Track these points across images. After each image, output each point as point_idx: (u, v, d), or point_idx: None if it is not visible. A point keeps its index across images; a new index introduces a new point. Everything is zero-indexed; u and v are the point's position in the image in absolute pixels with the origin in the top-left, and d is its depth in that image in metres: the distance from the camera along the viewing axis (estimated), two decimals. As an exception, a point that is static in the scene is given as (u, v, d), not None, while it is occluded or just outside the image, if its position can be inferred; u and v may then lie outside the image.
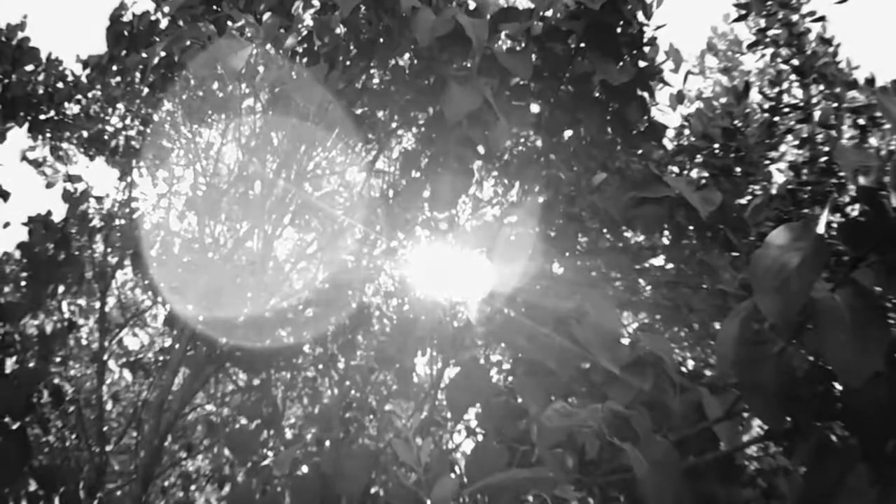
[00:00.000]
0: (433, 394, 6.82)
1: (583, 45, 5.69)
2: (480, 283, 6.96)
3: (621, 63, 5.82)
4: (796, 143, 9.74)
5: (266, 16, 5.15)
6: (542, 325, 5.63)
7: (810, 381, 3.00)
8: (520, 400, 5.15)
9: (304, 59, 5.78)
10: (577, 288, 5.96)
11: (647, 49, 6.04)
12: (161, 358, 8.51)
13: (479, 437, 6.22)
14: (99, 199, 9.31)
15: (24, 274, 8.67)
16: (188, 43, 5.34)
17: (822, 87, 10.37)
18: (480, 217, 7.14)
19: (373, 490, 7.04)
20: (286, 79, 5.04)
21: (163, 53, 6.59)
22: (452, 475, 5.20)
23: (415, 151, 6.22)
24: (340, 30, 5.68)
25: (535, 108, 5.89)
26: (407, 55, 5.83)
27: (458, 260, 6.99)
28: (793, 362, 3.24)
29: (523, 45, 5.64)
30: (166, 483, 8.61)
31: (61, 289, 8.74)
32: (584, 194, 5.93)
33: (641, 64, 5.98)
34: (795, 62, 10.44)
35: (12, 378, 8.26)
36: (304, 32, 5.83)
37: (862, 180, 2.65)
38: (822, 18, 10.74)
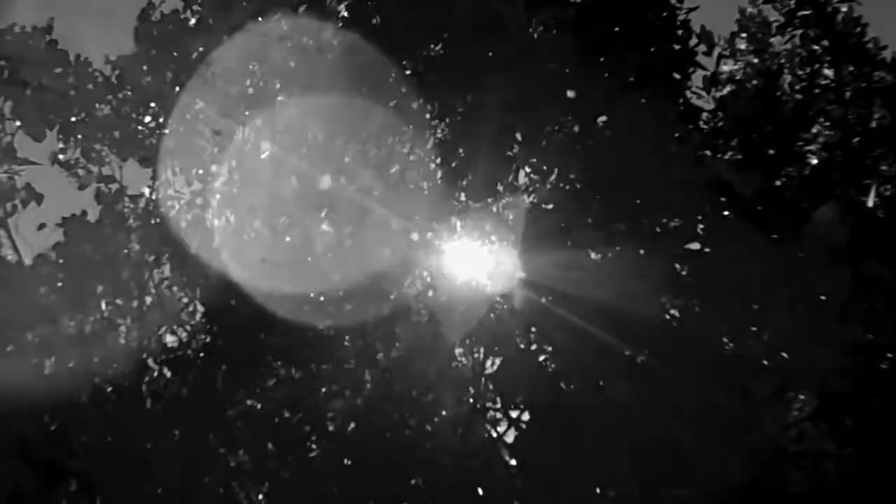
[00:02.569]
0: (476, 382, 6.81)
1: (616, 29, 5.69)
2: (518, 272, 6.95)
3: (655, 47, 5.82)
4: (829, 123, 9.65)
5: (301, 8, 5.18)
6: (579, 316, 5.65)
7: (862, 355, 2.99)
8: (563, 385, 5.17)
9: (339, 52, 5.79)
10: (615, 275, 5.96)
11: (679, 32, 6.02)
12: (201, 354, 8.51)
13: (524, 426, 6.20)
14: (133, 199, 9.31)
15: (61, 275, 8.72)
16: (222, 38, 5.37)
17: (851, 68, 10.28)
18: (518, 205, 7.08)
19: (413, 481, 7.08)
20: (322, 71, 5.06)
21: (201, 48, 6.61)
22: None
23: (451, 141, 6.23)
24: (376, 20, 5.67)
25: (570, 93, 5.88)
26: (440, 45, 5.82)
27: (495, 249, 6.98)
28: (845, 337, 3.23)
29: (557, 31, 5.63)
30: (207, 479, 8.62)
31: (99, 289, 8.79)
32: (621, 179, 5.92)
33: (675, 47, 5.97)
34: (825, 43, 10.35)
35: (52, 379, 8.35)
36: (339, 24, 5.82)
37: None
38: (850, -1, 10.64)
